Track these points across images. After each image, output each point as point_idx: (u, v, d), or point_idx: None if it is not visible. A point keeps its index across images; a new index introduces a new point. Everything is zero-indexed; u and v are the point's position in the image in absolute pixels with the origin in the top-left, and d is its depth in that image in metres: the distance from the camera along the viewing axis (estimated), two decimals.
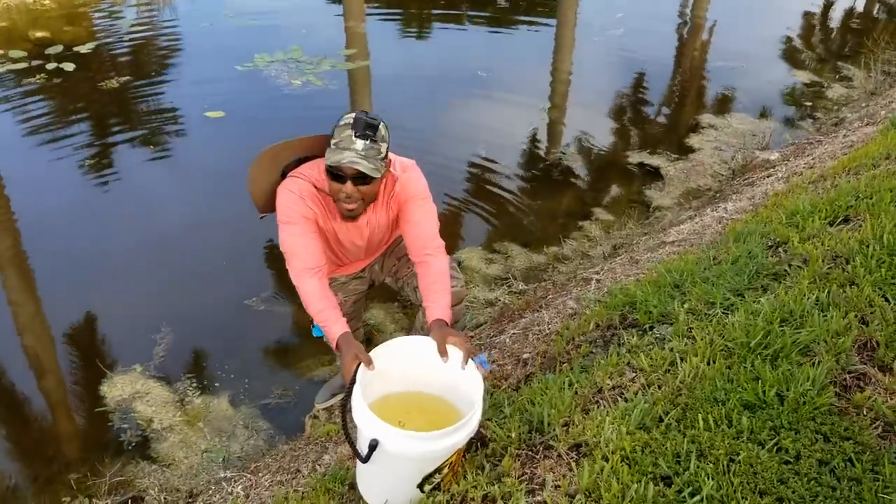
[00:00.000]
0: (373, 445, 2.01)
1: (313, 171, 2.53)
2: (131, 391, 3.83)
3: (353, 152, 2.30)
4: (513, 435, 2.26)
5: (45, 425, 3.73)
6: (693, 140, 6.35)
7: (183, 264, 4.86)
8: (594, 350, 2.82)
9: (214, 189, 5.67)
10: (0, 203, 5.58)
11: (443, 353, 2.28)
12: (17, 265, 4.94)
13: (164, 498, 3.25)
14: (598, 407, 2.29)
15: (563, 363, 2.82)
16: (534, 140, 6.53)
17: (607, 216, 5.33)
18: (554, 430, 2.22)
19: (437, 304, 2.43)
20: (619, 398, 2.31)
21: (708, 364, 2.31)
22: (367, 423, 2.04)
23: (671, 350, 2.47)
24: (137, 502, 3.29)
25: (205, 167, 6.02)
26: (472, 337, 3.40)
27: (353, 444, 2.13)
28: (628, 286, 3.22)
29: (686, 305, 2.77)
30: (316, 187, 2.51)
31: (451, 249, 4.95)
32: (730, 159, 5.96)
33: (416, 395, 2.39)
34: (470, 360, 2.24)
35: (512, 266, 4.78)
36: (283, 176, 2.59)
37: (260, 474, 2.93)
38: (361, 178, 2.36)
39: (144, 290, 4.62)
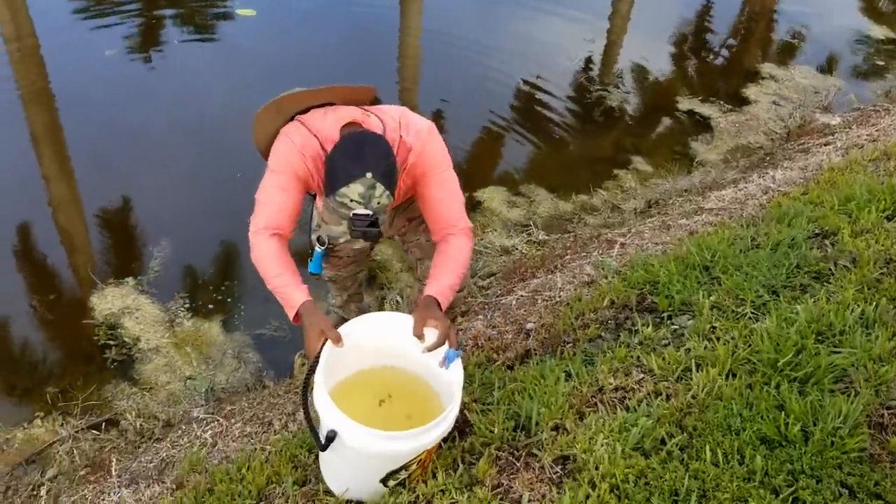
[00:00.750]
0: (330, 437, 1.76)
1: (324, 123, 2.15)
2: (121, 305, 3.64)
3: (357, 205, 1.93)
4: (496, 430, 2.00)
5: (31, 334, 3.56)
6: (750, 91, 5.83)
7: (199, 165, 4.60)
8: (603, 334, 2.51)
9: (259, 80, 5.38)
10: (37, 72, 5.33)
11: (418, 333, 1.99)
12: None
13: (140, 424, 3.07)
14: (594, 412, 2.01)
15: (568, 344, 2.53)
16: (586, 67, 6.06)
17: (646, 167, 4.92)
18: (542, 432, 1.95)
19: (439, 282, 2.12)
20: (620, 405, 2.02)
21: (727, 379, 2.01)
22: (326, 412, 1.79)
23: (687, 352, 2.17)
24: (112, 425, 3.13)
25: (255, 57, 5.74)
26: (457, 325, 3.08)
27: (312, 429, 1.88)
28: (652, 261, 2.89)
29: (712, 297, 2.44)
30: (322, 145, 2.17)
31: (476, 182, 4.64)
32: (787, 117, 5.47)
33: (392, 371, 2.12)
34: (442, 350, 1.96)
35: (535, 212, 4.44)
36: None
37: (232, 420, 2.72)
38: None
39: (154, 181, 4.43)
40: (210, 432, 2.66)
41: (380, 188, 1.88)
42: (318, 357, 1.90)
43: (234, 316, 3.67)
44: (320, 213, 2.62)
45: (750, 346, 2.12)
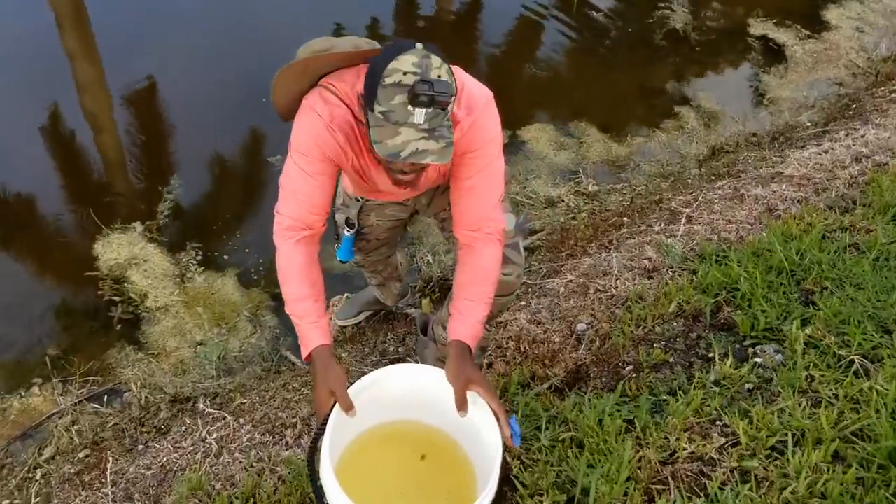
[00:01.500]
0: None
1: (353, 86, 1.70)
2: (128, 255, 3.29)
3: (413, 130, 1.47)
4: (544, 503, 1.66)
5: (31, 285, 3.24)
6: (831, 13, 5.14)
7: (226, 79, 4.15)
8: (671, 359, 2.12)
9: None
10: None
11: (461, 406, 1.62)
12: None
13: (146, 397, 2.79)
14: (665, 492, 1.65)
15: (628, 366, 2.15)
16: None
17: (711, 104, 4.37)
18: None
19: (466, 318, 1.72)
20: (696, 485, 1.65)
21: (832, 463, 1.62)
22: (331, 495, 1.46)
23: (781, 413, 1.78)
24: (115, 396, 2.86)
25: None
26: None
27: (320, 499, 1.54)
28: (727, 253, 2.46)
29: (808, 329, 2.03)
30: (354, 114, 1.72)
31: (521, 115, 4.14)
32: (871, 47, 4.82)
33: (417, 427, 1.77)
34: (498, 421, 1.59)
35: (586, 156, 3.96)
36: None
37: (241, 420, 2.41)
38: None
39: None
40: (216, 435, 2.36)
41: (436, 60, 1.47)
42: (325, 422, 1.56)
43: (252, 270, 3.31)
44: (345, 189, 2.21)
45: (859, 414, 1.72)
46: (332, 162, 1.75)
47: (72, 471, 2.52)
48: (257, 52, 4.17)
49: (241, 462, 2.20)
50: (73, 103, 4.07)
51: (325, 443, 1.52)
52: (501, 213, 1.81)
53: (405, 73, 1.45)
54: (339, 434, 1.65)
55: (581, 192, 3.71)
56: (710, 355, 2.08)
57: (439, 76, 1.46)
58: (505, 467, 1.76)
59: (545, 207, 3.61)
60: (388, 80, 1.47)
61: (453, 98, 1.50)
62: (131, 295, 3.15)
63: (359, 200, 2.17)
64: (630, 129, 4.14)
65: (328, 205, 1.83)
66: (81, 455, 2.58)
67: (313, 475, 1.56)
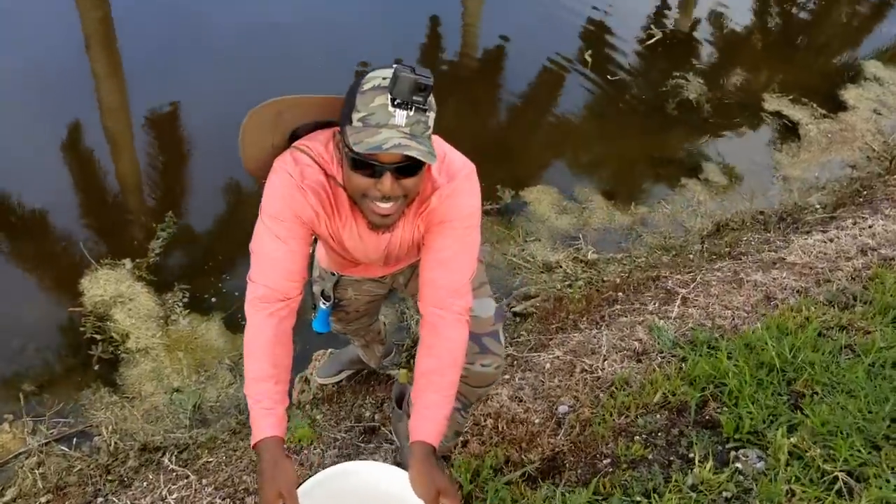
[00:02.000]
0: None
1: (327, 146, 1.64)
2: (114, 293, 3.23)
3: (394, 131, 1.43)
4: None
5: (15, 316, 3.19)
6: (849, 94, 5.09)
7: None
8: (650, 457, 2.03)
9: None
10: None
11: None
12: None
13: (115, 443, 2.71)
14: None
15: (605, 459, 2.05)
16: (663, 41, 5.37)
17: (719, 177, 4.30)
18: None
19: (431, 415, 1.61)
20: None
21: None
22: None
23: None
24: (85, 438, 2.78)
25: None
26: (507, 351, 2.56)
27: None
28: (718, 344, 2.37)
29: (794, 437, 1.93)
30: (326, 174, 1.67)
31: (525, 174, 4.10)
32: (889, 131, 4.76)
33: None
34: None
35: (587, 222, 3.89)
36: (291, 141, 1.74)
37: (204, 481, 2.32)
38: (405, 168, 1.49)
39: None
40: (175, 496, 2.27)
41: (418, 68, 1.43)
42: None
43: (239, 315, 3.24)
44: (319, 263, 2.14)
45: None
46: (306, 225, 1.67)
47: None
48: (280, 87, 4.13)
49: None
50: (92, 124, 4.08)
51: None
52: (470, 292, 1.73)
53: (384, 78, 1.43)
54: None
55: (580, 259, 3.64)
56: (691, 455, 1.98)
57: (425, 72, 1.43)
58: None
59: (542, 272, 3.54)
60: (366, 87, 1.44)
61: (432, 103, 1.48)
62: (113, 334, 3.10)
63: (334, 275, 2.09)
64: (635, 197, 4.08)
65: (304, 271, 1.74)
66: (43, 500, 2.51)
67: None
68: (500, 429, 2.28)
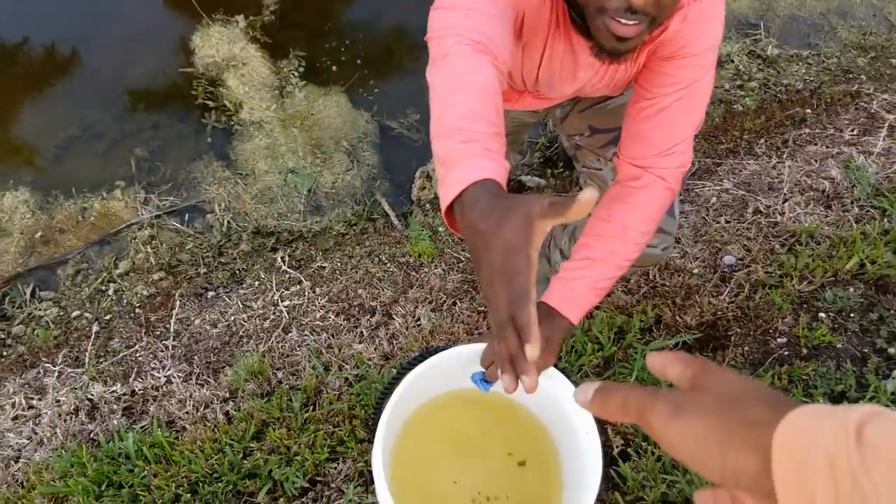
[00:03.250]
0: None
1: None
2: (227, 54, 2.91)
3: None
4: None
5: (124, 70, 2.93)
6: None
7: None
8: (838, 346, 1.66)
9: None
10: None
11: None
12: None
13: (228, 222, 2.56)
14: None
15: (781, 340, 1.70)
16: None
17: None
18: None
19: (579, 282, 1.22)
20: None
21: None
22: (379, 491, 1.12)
23: None
24: (196, 215, 2.63)
25: None
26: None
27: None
28: None
29: None
30: None
31: None
32: None
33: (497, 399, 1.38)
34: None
35: (772, 6, 3.20)
36: None
37: (317, 290, 2.12)
38: None
39: None
40: (288, 302, 2.09)
41: None
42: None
43: (361, 91, 2.90)
44: None
45: None
46: (517, 18, 1.14)
47: (144, 293, 2.35)
48: None
49: (308, 345, 1.94)
50: None
51: (381, 429, 1.14)
52: (689, 151, 1.30)
53: None
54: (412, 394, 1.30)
55: (757, 53, 3.02)
56: (893, 351, 1.61)
57: None
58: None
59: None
60: None
61: None
62: (226, 101, 2.82)
63: None
64: None
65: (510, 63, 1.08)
66: (156, 277, 2.41)
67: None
68: (650, 277, 1.94)
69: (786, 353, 1.67)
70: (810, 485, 0.42)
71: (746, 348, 1.70)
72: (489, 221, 0.75)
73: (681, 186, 1.35)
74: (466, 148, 0.85)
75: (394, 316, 1.98)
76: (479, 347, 1.17)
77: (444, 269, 2.13)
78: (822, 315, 1.74)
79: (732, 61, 3.01)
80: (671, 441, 0.51)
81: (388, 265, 2.18)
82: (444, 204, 0.83)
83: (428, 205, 2.56)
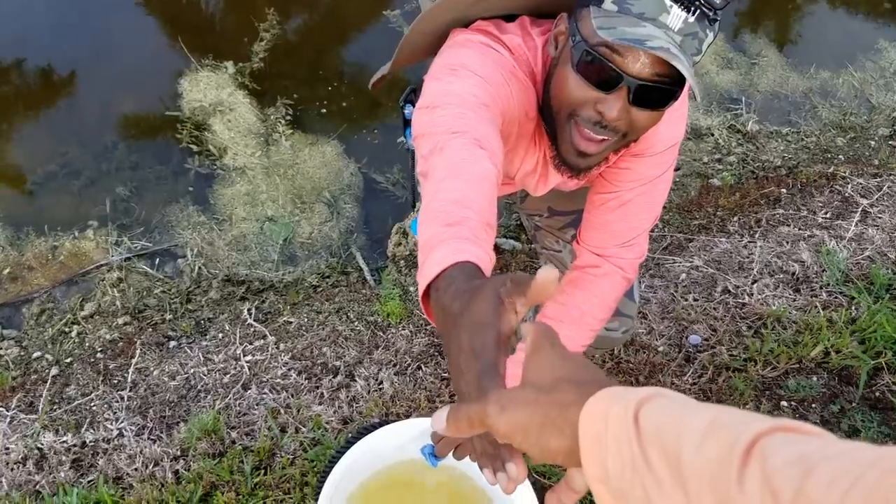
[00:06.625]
0: None
1: (525, 40, 1.12)
2: (214, 99, 2.89)
3: (662, 31, 0.94)
4: None
5: (108, 110, 2.91)
6: None
7: None
8: None
9: None
10: None
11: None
12: None
13: (199, 268, 2.51)
14: None
15: None
16: None
17: None
18: None
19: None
20: None
21: None
22: None
23: None
24: (168, 259, 2.58)
25: None
26: None
27: None
28: None
29: None
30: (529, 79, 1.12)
31: None
32: None
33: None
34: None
35: (754, 83, 3.22)
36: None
37: (281, 346, 2.07)
38: (651, 92, 0.99)
39: None
40: (250, 358, 2.04)
41: None
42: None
43: (350, 141, 2.89)
44: None
45: None
46: (502, 118, 1.06)
47: (107, 337, 2.29)
48: None
49: (266, 404, 1.88)
50: None
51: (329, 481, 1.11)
52: (645, 243, 1.30)
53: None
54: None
55: (737, 128, 3.04)
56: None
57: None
58: None
59: (689, 139, 2.98)
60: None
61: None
62: (210, 147, 2.80)
63: None
64: (819, 57, 3.35)
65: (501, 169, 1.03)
66: (120, 321, 2.36)
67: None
68: (615, 352, 1.91)
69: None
70: (605, 461, 0.50)
71: None
72: (460, 302, 0.69)
73: (636, 275, 1.34)
74: (451, 231, 0.81)
75: (356, 378, 1.94)
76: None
77: (411, 331, 2.09)
78: (783, 403, 1.70)
79: (713, 135, 3.02)
80: (505, 433, 0.57)
81: (356, 323, 2.14)
82: (421, 289, 0.77)
83: (402, 261, 2.52)
